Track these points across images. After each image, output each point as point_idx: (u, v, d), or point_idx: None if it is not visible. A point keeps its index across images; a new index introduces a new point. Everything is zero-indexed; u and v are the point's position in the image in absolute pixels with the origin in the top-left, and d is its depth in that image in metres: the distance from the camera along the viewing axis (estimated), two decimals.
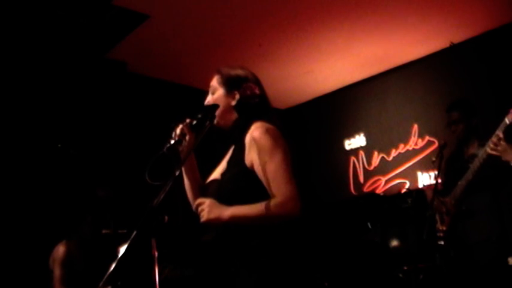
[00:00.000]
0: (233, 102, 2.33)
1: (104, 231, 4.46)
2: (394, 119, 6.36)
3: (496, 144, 3.27)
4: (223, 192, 2.18)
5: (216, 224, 2.13)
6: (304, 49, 5.80)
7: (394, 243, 5.06)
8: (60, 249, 4.32)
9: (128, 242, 1.93)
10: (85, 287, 4.16)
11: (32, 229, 4.73)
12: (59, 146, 4.88)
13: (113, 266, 1.99)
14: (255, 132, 2.19)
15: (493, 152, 3.30)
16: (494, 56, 5.41)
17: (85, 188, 4.93)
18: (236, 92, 2.33)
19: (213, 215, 2.10)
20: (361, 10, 5.06)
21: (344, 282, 4.69)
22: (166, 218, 3.97)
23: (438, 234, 3.76)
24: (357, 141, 6.80)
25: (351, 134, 6.85)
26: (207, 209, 2.10)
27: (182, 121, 2.34)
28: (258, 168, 2.14)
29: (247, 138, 2.22)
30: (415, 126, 6.12)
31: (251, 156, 2.17)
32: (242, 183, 2.16)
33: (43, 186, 4.93)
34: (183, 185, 2.44)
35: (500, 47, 5.37)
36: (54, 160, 5.01)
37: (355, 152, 6.79)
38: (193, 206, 2.20)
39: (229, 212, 2.10)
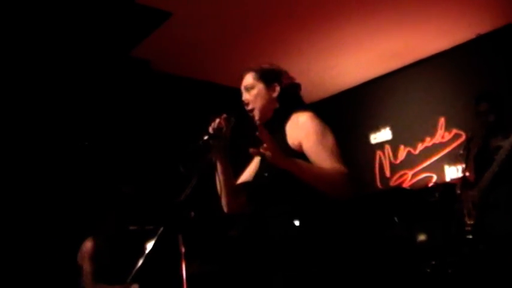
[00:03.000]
0: (274, 94, 2.37)
1: (130, 228, 4.51)
2: (420, 112, 6.29)
3: None
4: (273, 179, 2.14)
5: (280, 163, 2.03)
6: (327, 44, 5.76)
7: (421, 237, 5.01)
8: (89, 245, 4.38)
9: (155, 238, 1.95)
10: (113, 282, 4.22)
11: (59, 225, 4.80)
12: (86, 143, 4.95)
13: (140, 261, 2.01)
14: (301, 117, 2.25)
15: None
16: None
17: (111, 185, 4.99)
18: (276, 84, 2.37)
19: (277, 155, 2.00)
20: (385, 3, 5.00)
21: (371, 278, 4.66)
22: (192, 213, 4.00)
23: (466, 228, 3.71)
24: (382, 135, 6.74)
25: (376, 128, 6.80)
26: (275, 147, 2.02)
27: (219, 115, 2.35)
28: (310, 146, 2.16)
29: (289, 126, 2.27)
30: (442, 120, 6.04)
31: (298, 138, 2.20)
32: None
33: (70, 183, 5.00)
34: (211, 180, 2.44)
35: None
36: (81, 157, 5.08)
37: (381, 146, 6.73)
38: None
39: (291, 159, 2.05)
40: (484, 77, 5.55)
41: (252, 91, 2.39)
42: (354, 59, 6.22)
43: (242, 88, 2.44)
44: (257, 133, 2.00)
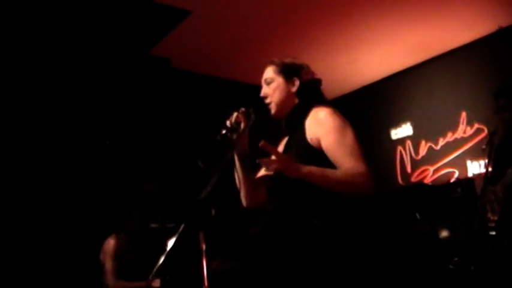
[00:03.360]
0: (294, 89, 2.36)
1: (152, 225, 4.55)
2: (442, 107, 6.23)
3: None
4: None
5: (291, 176, 2.03)
6: (348, 38, 5.74)
7: (444, 234, 4.97)
8: (111, 243, 4.44)
9: (176, 235, 1.96)
10: (135, 279, 4.26)
11: (82, 223, 4.86)
12: (108, 142, 5.00)
13: (162, 259, 2.02)
14: (321, 113, 2.22)
15: None
16: None
17: (133, 183, 5.03)
18: (296, 78, 2.36)
19: (292, 166, 2.01)
20: None
21: (394, 274, 4.64)
22: (213, 211, 4.02)
23: (489, 224, 3.67)
24: (403, 131, 6.68)
25: (397, 124, 6.74)
26: (288, 158, 2.04)
27: (237, 109, 2.35)
28: (329, 143, 2.14)
29: (309, 122, 2.25)
30: (464, 114, 5.97)
31: (317, 135, 2.18)
32: (310, 161, 2.12)
33: (92, 182, 5.05)
34: (231, 177, 2.44)
35: None
36: (103, 156, 5.13)
37: (401, 141, 6.68)
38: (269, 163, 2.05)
39: (307, 168, 2.04)
40: (507, 70, 5.46)
41: (272, 85, 2.38)
42: (375, 53, 6.18)
43: (262, 81, 2.43)
44: (260, 145, 1.99)
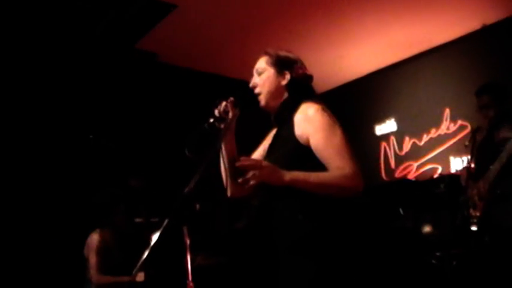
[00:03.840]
0: (284, 82, 2.35)
1: (136, 220, 4.54)
2: (426, 103, 6.27)
3: None
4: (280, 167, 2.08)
5: (273, 185, 2.03)
6: (334, 34, 5.75)
7: (427, 229, 5.01)
8: (95, 237, 4.41)
9: (161, 230, 1.95)
10: (120, 273, 4.24)
11: (66, 218, 4.83)
12: (91, 137, 4.96)
13: (146, 253, 2.02)
14: (310, 109, 2.21)
15: None
16: None
17: (118, 178, 5.01)
18: (287, 72, 2.35)
19: (273, 176, 2.01)
20: None
21: (377, 269, 4.67)
22: (198, 205, 4.01)
23: (471, 219, 3.71)
24: (387, 126, 6.72)
25: (381, 119, 6.78)
26: (266, 169, 2.01)
27: (226, 98, 2.34)
28: (317, 143, 2.13)
29: (298, 117, 2.23)
30: (447, 111, 6.02)
31: (306, 132, 2.16)
32: (298, 159, 2.14)
33: (77, 176, 5.02)
34: (216, 171, 2.43)
35: None
36: (88, 151, 5.10)
37: (386, 137, 6.72)
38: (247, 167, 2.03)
39: (291, 175, 2.04)
40: (490, 67, 5.52)
41: (262, 75, 2.37)
42: (360, 49, 6.20)
43: (254, 70, 2.42)
44: (237, 164, 1.99)
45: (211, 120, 2.30)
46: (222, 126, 2.31)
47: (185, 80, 6.11)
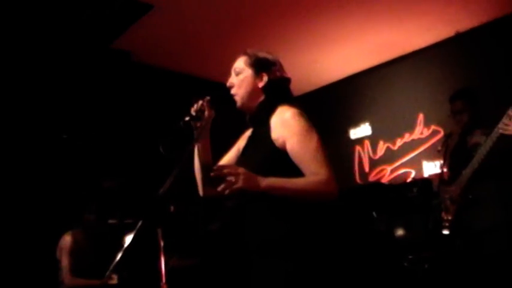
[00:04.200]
0: (261, 84, 2.33)
1: (110, 221, 4.50)
2: (400, 108, 6.34)
3: (507, 124, 3.25)
4: (254, 173, 2.06)
5: (249, 192, 2.02)
6: (310, 38, 5.77)
7: (400, 232, 5.06)
8: (67, 239, 4.36)
9: (134, 231, 1.94)
10: (93, 276, 4.20)
11: (38, 220, 4.75)
12: (64, 136, 4.90)
13: (119, 255, 2.00)
14: (287, 113, 2.20)
15: (505, 131, 3.29)
16: (500, 45, 5.37)
17: (90, 179, 4.95)
18: (264, 74, 2.33)
19: (249, 183, 2.00)
20: None
21: (349, 271, 4.70)
22: (172, 207, 3.99)
23: (443, 223, 3.76)
24: (362, 131, 6.78)
25: (356, 123, 6.84)
26: (243, 176, 1.99)
27: (202, 97, 2.33)
28: (294, 147, 2.13)
29: (274, 120, 2.23)
30: (421, 116, 6.10)
31: (282, 136, 2.16)
32: (273, 163, 2.13)
33: (48, 177, 4.95)
34: (190, 173, 2.42)
35: (505, 36, 5.33)
36: (60, 151, 5.03)
37: (360, 141, 6.78)
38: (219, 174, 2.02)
39: (267, 181, 2.04)
40: (463, 74, 5.61)
41: (239, 76, 2.35)
42: (335, 53, 6.24)
43: (232, 70, 2.40)
44: (213, 174, 1.98)
45: (187, 118, 2.29)
46: (198, 125, 2.31)
47: (159, 80, 6.07)
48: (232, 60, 2.44)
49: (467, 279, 3.66)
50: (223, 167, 2.03)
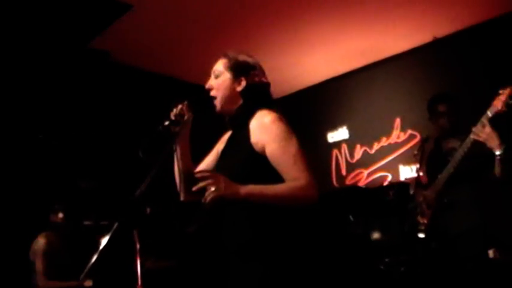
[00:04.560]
0: (239, 88, 2.32)
1: (86, 223, 4.45)
2: (377, 112, 6.39)
3: (480, 131, 3.29)
4: (233, 177, 2.06)
5: (229, 200, 2.01)
6: (289, 41, 5.79)
7: (376, 235, 5.09)
8: (40, 241, 4.30)
9: (110, 233, 1.92)
10: (67, 278, 4.15)
11: (11, 222, 4.68)
12: (40, 136, 4.84)
13: (95, 257, 1.98)
14: (266, 118, 2.19)
15: (478, 138, 3.32)
16: (476, 50, 5.45)
17: (66, 180, 4.89)
18: (243, 78, 2.32)
19: (229, 191, 1.99)
20: (347, 3, 5.06)
21: (326, 275, 4.72)
22: (148, 209, 3.97)
23: (419, 227, 3.79)
24: (339, 134, 6.82)
25: (333, 127, 6.87)
26: (223, 183, 1.99)
27: (181, 101, 2.32)
28: (273, 152, 2.12)
29: (254, 124, 2.22)
30: (398, 120, 6.15)
31: (262, 141, 2.15)
32: (252, 167, 2.13)
33: (23, 177, 4.88)
34: (167, 174, 2.40)
35: (482, 42, 5.42)
36: (36, 151, 4.97)
37: (337, 144, 6.81)
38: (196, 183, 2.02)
39: (247, 189, 2.03)
40: (440, 79, 5.67)
41: (218, 79, 2.34)
42: (314, 57, 6.26)
43: (211, 72, 2.39)
44: (194, 188, 1.98)
45: (166, 123, 2.27)
46: (177, 129, 2.29)
47: (138, 80, 6.03)
48: (212, 62, 2.43)
49: (443, 282, 3.70)
50: (204, 175, 2.02)
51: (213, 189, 1.96)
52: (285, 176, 2.10)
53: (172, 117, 2.29)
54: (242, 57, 2.38)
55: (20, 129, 4.97)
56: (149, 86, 6.03)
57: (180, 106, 2.30)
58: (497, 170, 3.36)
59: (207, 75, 2.41)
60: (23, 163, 4.93)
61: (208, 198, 1.95)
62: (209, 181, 1.98)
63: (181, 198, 2.43)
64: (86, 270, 2.06)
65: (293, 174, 2.08)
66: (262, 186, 2.06)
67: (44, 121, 5.13)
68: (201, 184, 1.97)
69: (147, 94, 5.85)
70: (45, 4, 4.65)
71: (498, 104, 3.23)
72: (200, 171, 2.05)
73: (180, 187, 2.41)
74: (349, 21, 5.41)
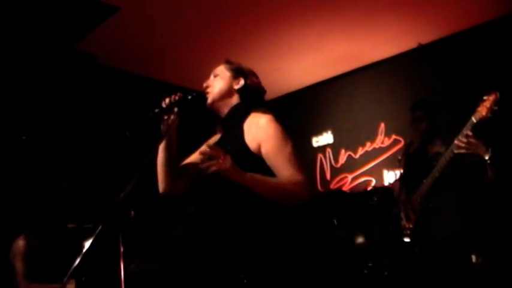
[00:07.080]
0: (236, 86, 2.39)
1: (69, 225, 4.40)
2: (362, 117, 6.42)
3: (465, 143, 3.31)
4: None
5: (231, 179, 2.03)
6: (274, 46, 5.81)
7: (360, 240, 5.12)
8: (20, 243, 4.24)
9: (93, 236, 1.91)
10: (48, 280, 4.10)
11: None
12: (24, 138, 4.80)
13: (78, 260, 1.96)
14: (262, 118, 2.23)
15: (462, 151, 3.34)
16: (461, 57, 5.50)
17: (48, 180, 4.85)
18: (241, 78, 2.40)
19: (233, 169, 2.02)
20: (332, 9, 5.09)
21: (310, 279, 4.72)
22: (132, 212, 3.94)
23: (404, 231, 3.81)
24: (324, 139, 6.84)
25: (318, 132, 6.89)
26: (229, 161, 2.02)
27: (175, 93, 2.33)
28: (269, 151, 2.16)
29: (248, 124, 2.25)
30: (382, 125, 6.19)
31: (257, 139, 2.19)
32: (246, 166, 2.12)
33: (6, 178, 4.83)
34: (152, 179, 2.40)
35: (466, 49, 5.47)
36: (19, 152, 4.92)
37: (322, 149, 6.83)
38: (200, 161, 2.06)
39: (250, 174, 2.06)
40: (424, 85, 5.72)
41: (217, 77, 2.42)
42: (299, 62, 6.29)
43: (211, 73, 2.46)
44: (203, 151, 2.01)
45: (157, 110, 2.28)
46: (166, 118, 2.30)
47: (124, 83, 6.00)
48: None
49: (426, 287, 3.72)
50: (214, 148, 2.05)
51: (220, 161, 1.99)
52: (280, 173, 2.13)
53: (164, 105, 2.29)
54: (243, 65, 2.49)
55: (4, 130, 4.92)
56: (135, 89, 6.00)
57: (172, 96, 2.31)
58: (489, 173, 3.39)
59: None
60: (6, 164, 4.88)
61: (213, 168, 1.98)
62: (219, 153, 2.01)
63: (160, 191, 2.43)
64: (69, 273, 2.05)
65: (289, 173, 2.11)
66: (264, 176, 2.10)
67: (28, 122, 5.08)
68: (212, 152, 2.00)
69: (133, 97, 5.82)
70: (31, 5, 4.61)
71: (483, 110, 3.26)
72: (210, 145, 2.07)
73: (160, 179, 2.40)
74: (334, 27, 5.45)
